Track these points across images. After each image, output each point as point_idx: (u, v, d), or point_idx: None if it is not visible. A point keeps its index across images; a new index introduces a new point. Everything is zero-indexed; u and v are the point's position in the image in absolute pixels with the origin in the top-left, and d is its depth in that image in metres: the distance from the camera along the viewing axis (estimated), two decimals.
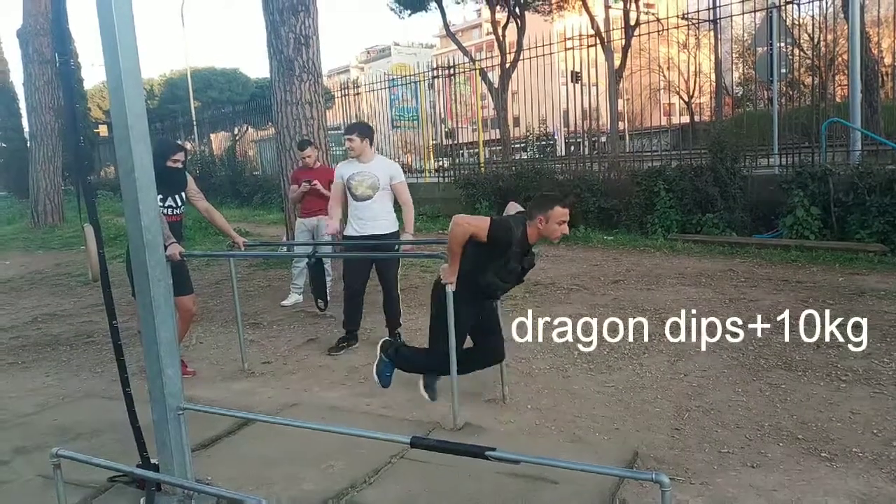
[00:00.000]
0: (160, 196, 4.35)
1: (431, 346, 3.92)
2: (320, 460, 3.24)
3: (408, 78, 16.61)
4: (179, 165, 4.61)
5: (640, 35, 15.84)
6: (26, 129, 19.71)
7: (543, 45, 12.68)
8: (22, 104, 22.73)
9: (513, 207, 3.93)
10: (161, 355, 2.70)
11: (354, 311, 5.23)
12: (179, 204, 4.69)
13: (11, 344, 6.09)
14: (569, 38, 12.84)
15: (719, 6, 12.66)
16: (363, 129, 5.25)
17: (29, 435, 3.77)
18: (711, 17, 13.69)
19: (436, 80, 16.13)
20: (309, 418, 3.69)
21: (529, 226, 3.55)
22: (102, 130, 31.91)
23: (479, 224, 3.47)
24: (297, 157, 7.12)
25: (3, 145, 30.72)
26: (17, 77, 31.29)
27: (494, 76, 17.99)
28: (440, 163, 16.61)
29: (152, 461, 2.89)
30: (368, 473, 3.10)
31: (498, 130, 18.44)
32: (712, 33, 15.07)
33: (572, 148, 19.21)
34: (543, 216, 3.49)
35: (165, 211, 4.51)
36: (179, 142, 5.10)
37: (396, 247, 5.23)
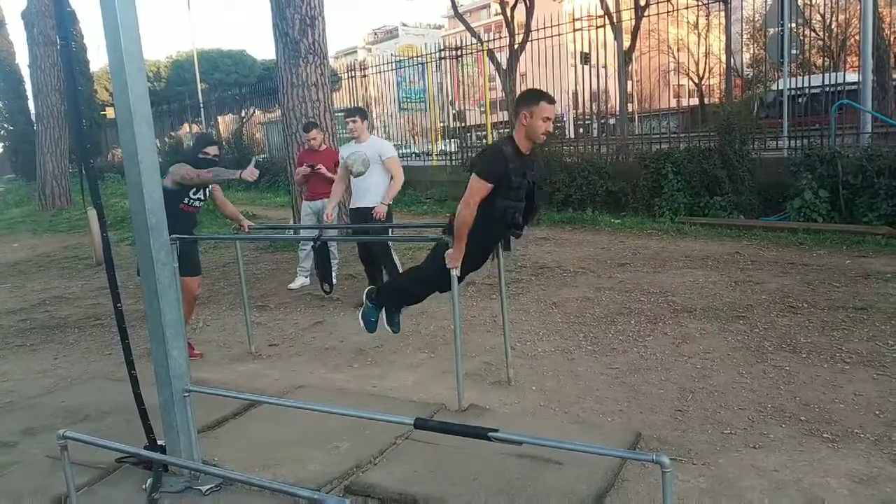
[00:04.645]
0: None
1: (420, 270, 3.95)
2: (326, 441, 3.27)
3: (415, 59, 16.51)
4: (211, 156, 4.71)
5: (650, 16, 15.61)
6: (33, 111, 19.74)
7: (552, 26, 12.56)
8: (28, 86, 22.74)
9: None
10: (167, 337, 2.73)
11: (373, 275, 5.82)
12: (205, 198, 4.81)
13: (20, 326, 6.15)
14: (578, 19, 12.71)
15: None
16: (363, 112, 5.99)
17: (37, 416, 3.82)
18: None
19: (443, 62, 16.01)
20: (315, 400, 3.72)
21: (517, 133, 3.54)
22: (109, 113, 31.87)
23: (477, 188, 3.45)
24: (304, 140, 7.12)
25: (11, 128, 30.81)
26: (22, 59, 31.29)
27: (503, 57, 17.82)
28: (447, 146, 16.52)
29: (159, 443, 2.93)
30: (374, 454, 3.13)
31: (506, 112, 18.32)
32: (723, 14, 14.86)
33: (581, 130, 19.08)
34: (528, 111, 3.47)
35: (193, 202, 4.62)
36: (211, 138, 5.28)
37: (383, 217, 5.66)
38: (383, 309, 4.06)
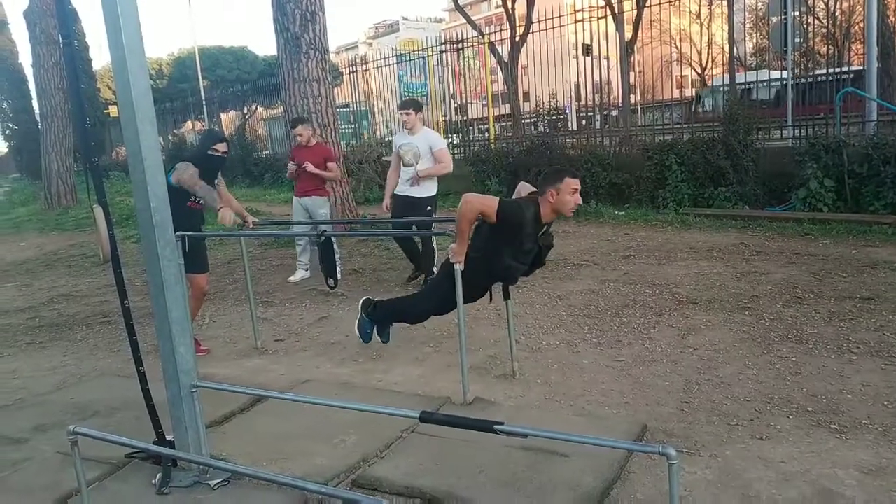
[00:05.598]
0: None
1: (421, 295, 4.03)
2: (332, 435, 3.28)
3: (416, 53, 16.48)
4: (220, 154, 4.71)
5: (651, 6, 15.56)
6: (37, 110, 19.76)
7: (553, 18, 12.52)
8: (31, 86, 22.74)
9: (524, 188, 3.94)
10: (173, 334, 2.74)
11: (411, 255, 6.45)
12: None
13: (29, 324, 6.18)
14: (579, 11, 12.65)
15: None
16: (418, 105, 6.27)
17: (47, 413, 3.85)
18: None
19: (444, 55, 15.97)
20: (321, 394, 3.74)
21: (542, 203, 3.58)
22: (113, 111, 31.92)
23: (488, 203, 3.49)
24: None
25: (15, 127, 30.89)
26: (25, 59, 31.35)
27: (504, 50, 17.79)
28: (449, 140, 16.50)
29: (168, 438, 2.95)
30: (380, 448, 3.14)
31: (508, 105, 18.28)
32: (725, 3, 14.78)
33: (584, 122, 19.02)
34: (555, 189, 3.53)
35: (200, 199, 4.62)
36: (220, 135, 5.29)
37: (428, 207, 6.09)
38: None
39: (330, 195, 7.22)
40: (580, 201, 3.62)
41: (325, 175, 6.71)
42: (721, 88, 15.73)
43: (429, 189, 6.10)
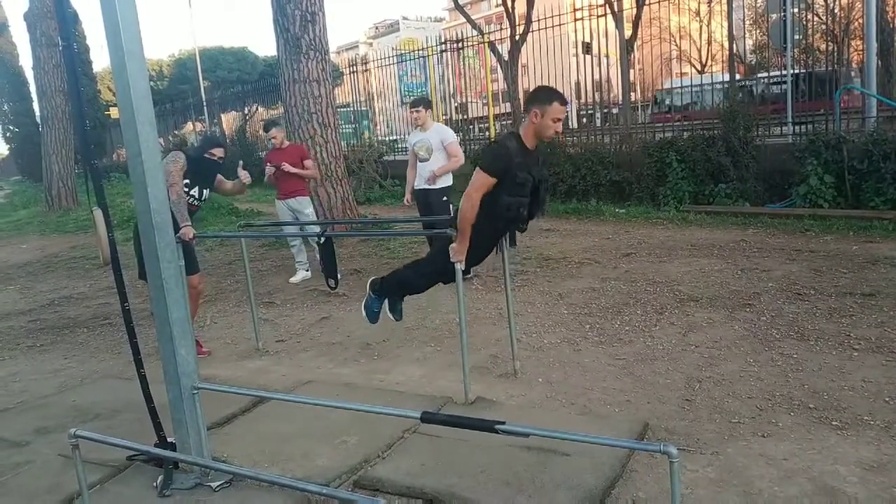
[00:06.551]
0: (187, 181, 4.51)
1: (426, 261, 3.98)
2: (334, 436, 3.28)
3: (416, 53, 16.48)
4: (216, 158, 4.75)
5: (650, 4, 15.52)
6: (37, 113, 19.76)
7: (553, 17, 12.51)
8: (32, 88, 22.72)
9: None
10: (174, 336, 2.74)
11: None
12: (202, 199, 4.81)
13: (30, 327, 6.19)
14: (579, 9, 12.64)
15: None
16: (427, 102, 6.46)
17: (49, 416, 3.85)
18: None
19: (445, 55, 15.96)
20: (322, 395, 3.74)
21: (523, 128, 3.52)
22: (114, 112, 31.89)
23: (479, 181, 3.42)
24: (267, 139, 7.12)
25: (16, 130, 30.88)
26: (26, 61, 31.37)
27: (504, 49, 17.75)
28: None
29: (169, 440, 2.95)
30: (381, 448, 3.14)
31: (509, 104, 18.25)
32: (725, 0, 14.76)
33: (584, 120, 18.99)
34: (540, 110, 3.44)
35: (188, 199, 4.61)
36: (218, 140, 5.31)
37: (444, 198, 6.22)
38: (385, 300, 4.07)
39: (311, 195, 7.27)
40: (560, 130, 3.53)
41: (303, 174, 6.77)
42: (675, 91, 16.10)
43: (443, 181, 6.27)
